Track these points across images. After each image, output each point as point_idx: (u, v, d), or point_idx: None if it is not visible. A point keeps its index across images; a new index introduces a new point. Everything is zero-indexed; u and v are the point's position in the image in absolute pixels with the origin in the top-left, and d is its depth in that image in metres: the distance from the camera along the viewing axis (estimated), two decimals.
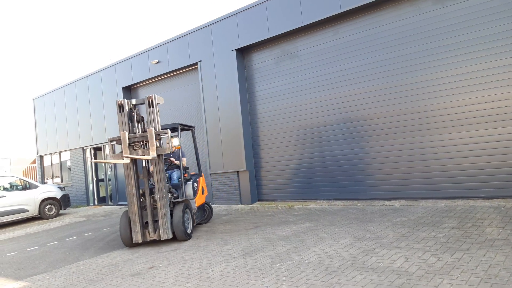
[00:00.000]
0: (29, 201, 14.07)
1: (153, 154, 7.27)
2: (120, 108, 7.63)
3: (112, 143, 7.61)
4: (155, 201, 7.48)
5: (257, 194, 12.02)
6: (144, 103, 7.75)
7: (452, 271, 4.32)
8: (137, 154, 7.40)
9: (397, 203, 8.81)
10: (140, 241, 7.37)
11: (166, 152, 7.46)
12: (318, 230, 7.10)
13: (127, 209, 7.57)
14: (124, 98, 14.35)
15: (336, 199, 10.26)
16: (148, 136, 7.34)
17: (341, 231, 6.85)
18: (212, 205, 12.57)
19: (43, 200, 14.45)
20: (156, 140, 7.40)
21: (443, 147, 8.58)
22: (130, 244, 7.50)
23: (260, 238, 7.09)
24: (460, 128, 8.36)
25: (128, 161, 7.31)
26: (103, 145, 17.12)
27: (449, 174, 8.52)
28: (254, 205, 11.58)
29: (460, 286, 3.91)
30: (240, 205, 11.90)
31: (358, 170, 9.89)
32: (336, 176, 10.30)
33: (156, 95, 7.70)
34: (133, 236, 7.35)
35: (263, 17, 11.30)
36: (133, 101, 7.82)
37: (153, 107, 7.65)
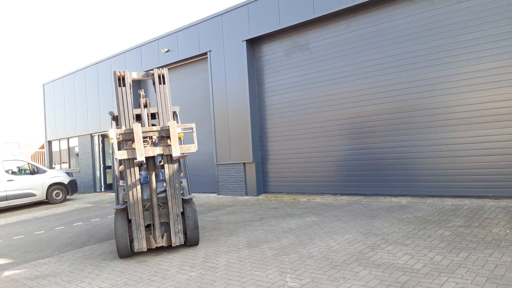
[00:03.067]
0: (37, 185, 14.23)
1: (176, 153, 5.92)
2: (120, 81, 6.16)
3: (116, 135, 5.92)
4: (162, 198, 6.25)
5: (263, 186, 12.02)
6: (150, 78, 6.47)
7: (458, 270, 4.29)
8: (149, 150, 5.96)
9: (403, 200, 8.77)
10: (145, 250, 6.03)
11: (192, 151, 6.15)
12: (323, 224, 7.09)
13: (120, 207, 6.17)
14: (137, 89, 14.38)
15: (342, 194, 10.23)
16: (170, 131, 5.96)
17: (346, 226, 6.83)
18: (218, 196, 12.62)
19: (50, 185, 14.60)
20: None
21: (452, 145, 8.50)
22: (129, 254, 6.10)
23: (265, 230, 7.10)
24: (471, 127, 8.26)
25: (143, 159, 5.83)
26: None
27: (457, 172, 8.44)
28: (260, 197, 11.59)
29: (466, 285, 3.88)
30: (246, 196, 11.92)
31: (364, 166, 9.84)
32: (343, 171, 10.26)
33: (167, 69, 6.48)
34: (135, 243, 5.96)
35: (275, 8, 11.20)
36: (137, 74, 6.43)
37: (164, 83, 6.36)
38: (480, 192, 8.12)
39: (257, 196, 11.73)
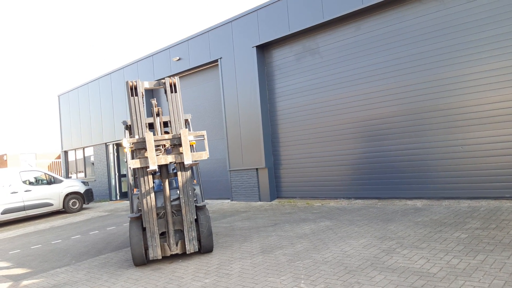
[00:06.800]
0: (54, 195, 14.46)
1: (188, 161, 5.96)
2: (132, 91, 6.22)
3: (129, 145, 6.00)
4: (176, 206, 6.28)
5: (276, 191, 12.01)
6: (162, 87, 6.52)
7: (475, 273, 4.22)
8: (161, 158, 6.04)
9: (419, 203, 8.66)
10: (160, 257, 6.06)
11: (204, 158, 6.20)
12: (338, 229, 7.05)
13: (134, 215, 6.19)
14: (149, 98, 14.56)
15: (356, 198, 10.16)
16: (182, 139, 6.01)
17: (361, 230, 6.78)
18: (232, 202, 12.64)
19: (67, 195, 14.83)
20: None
21: (467, 145, 8.38)
22: (144, 262, 6.12)
23: (279, 235, 7.08)
24: (486, 127, 8.14)
25: (155, 168, 5.88)
26: None
27: (473, 173, 8.31)
28: (273, 202, 11.58)
29: None
30: (259, 202, 11.92)
31: (378, 169, 9.75)
32: (357, 175, 10.19)
33: (178, 78, 6.54)
34: (150, 251, 5.98)
35: (284, 13, 11.24)
36: (149, 83, 6.48)
37: (175, 92, 6.41)
38: (496, 193, 7.97)
39: (270, 201, 11.72)
